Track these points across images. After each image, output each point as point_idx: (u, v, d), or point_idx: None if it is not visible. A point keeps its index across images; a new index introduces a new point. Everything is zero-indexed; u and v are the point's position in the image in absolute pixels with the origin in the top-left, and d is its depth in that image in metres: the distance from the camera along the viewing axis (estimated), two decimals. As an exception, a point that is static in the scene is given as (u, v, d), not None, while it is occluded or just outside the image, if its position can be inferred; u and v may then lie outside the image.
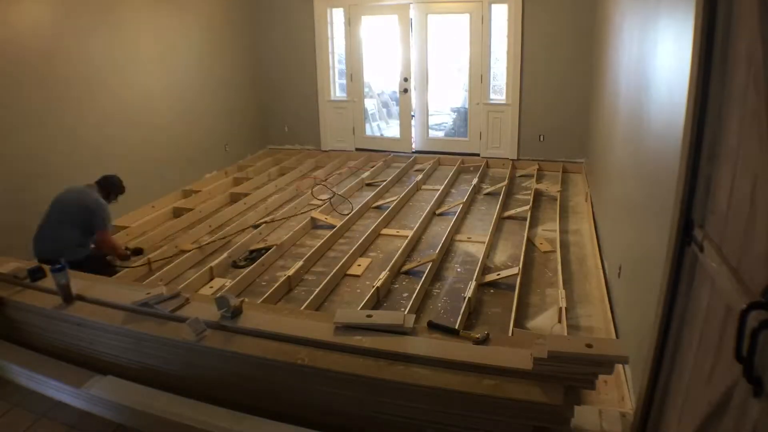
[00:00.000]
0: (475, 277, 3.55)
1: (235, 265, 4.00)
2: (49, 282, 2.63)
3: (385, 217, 4.75)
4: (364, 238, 4.27)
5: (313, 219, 4.79)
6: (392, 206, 5.01)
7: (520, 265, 3.71)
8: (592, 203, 4.85)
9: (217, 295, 2.31)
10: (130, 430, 2.17)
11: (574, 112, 6.09)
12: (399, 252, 3.97)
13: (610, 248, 3.56)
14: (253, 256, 4.09)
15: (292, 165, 6.73)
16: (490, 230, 4.41)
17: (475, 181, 5.78)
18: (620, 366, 2.55)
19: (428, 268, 3.70)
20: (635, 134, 2.85)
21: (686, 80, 1.55)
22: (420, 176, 6.00)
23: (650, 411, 1.78)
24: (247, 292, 3.58)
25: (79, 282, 2.67)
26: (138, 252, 3.95)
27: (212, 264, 3.84)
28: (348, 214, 4.86)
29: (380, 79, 9.41)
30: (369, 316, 2.18)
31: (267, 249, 4.12)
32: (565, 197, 5.33)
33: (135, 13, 4.91)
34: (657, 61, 2.37)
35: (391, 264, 3.76)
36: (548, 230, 4.55)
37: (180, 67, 5.60)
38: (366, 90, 7.67)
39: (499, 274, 3.66)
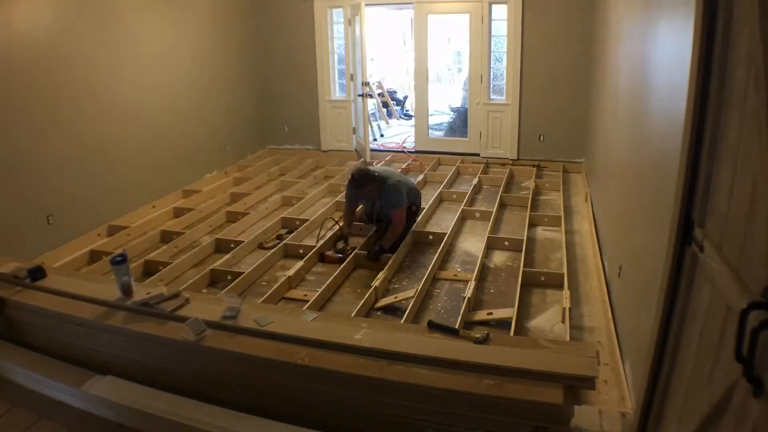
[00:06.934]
0: (475, 276, 3.55)
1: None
2: (49, 282, 2.64)
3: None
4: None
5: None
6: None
7: (521, 264, 3.71)
8: (592, 203, 4.85)
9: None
10: (130, 430, 2.16)
11: (574, 112, 6.08)
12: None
13: (610, 248, 3.55)
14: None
15: (292, 165, 6.73)
16: (489, 226, 4.42)
17: (475, 180, 5.79)
18: (620, 366, 2.55)
19: (428, 269, 3.70)
20: (635, 134, 2.85)
21: (686, 80, 1.54)
22: (420, 176, 5.99)
23: (650, 411, 1.78)
24: (248, 292, 3.58)
25: (78, 282, 2.67)
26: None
27: (214, 265, 3.84)
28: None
29: (380, 78, 9.41)
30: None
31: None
32: (565, 197, 5.33)
33: (135, 12, 4.91)
34: (657, 60, 2.37)
35: (388, 264, 3.77)
36: (548, 229, 4.55)
37: (180, 67, 5.60)
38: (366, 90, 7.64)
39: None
